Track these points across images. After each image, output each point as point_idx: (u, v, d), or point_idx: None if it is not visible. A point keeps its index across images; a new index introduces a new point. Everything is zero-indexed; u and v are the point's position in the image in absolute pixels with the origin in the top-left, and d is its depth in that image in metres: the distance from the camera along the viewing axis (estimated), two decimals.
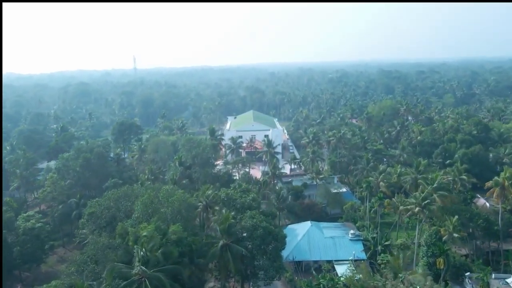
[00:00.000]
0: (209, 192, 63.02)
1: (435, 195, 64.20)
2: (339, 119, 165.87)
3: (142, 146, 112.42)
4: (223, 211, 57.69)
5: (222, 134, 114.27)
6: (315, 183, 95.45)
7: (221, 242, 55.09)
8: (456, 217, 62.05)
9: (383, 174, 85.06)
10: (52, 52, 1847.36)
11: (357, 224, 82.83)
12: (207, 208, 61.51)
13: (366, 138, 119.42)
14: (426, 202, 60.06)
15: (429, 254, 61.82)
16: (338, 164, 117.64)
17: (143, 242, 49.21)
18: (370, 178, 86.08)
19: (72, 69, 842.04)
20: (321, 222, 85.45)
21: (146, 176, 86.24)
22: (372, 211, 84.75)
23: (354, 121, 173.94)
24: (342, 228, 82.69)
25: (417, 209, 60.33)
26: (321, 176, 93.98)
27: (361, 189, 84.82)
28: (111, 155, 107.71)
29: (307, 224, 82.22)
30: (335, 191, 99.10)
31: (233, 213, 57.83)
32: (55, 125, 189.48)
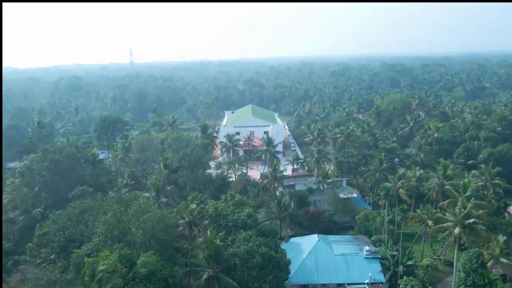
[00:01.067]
0: (193, 206, 50.43)
1: (475, 211, 51.06)
2: (344, 114, 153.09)
3: (126, 145, 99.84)
4: (208, 232, 45.14)
5: (216, 131, 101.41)
6: (322, 188, 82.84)
7: (206, 274, 42.74)
8: (504, 237, 49.51)
9: (402, 180, 72.29)
10: (50, 46, 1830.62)
11: (372, 238, 70.37)
12: (191, 226, 49.07)
13: (377, 135, 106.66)
14: (470, 221, 47.26)
15: (468, 283, 49.61)
16: (345, 164, 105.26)
17: (101, 279, 36.90)
18: (388, 184, 73.52)
19: (69, 63, 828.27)
20: (330, 235, 73.06)
21: (125, 181, 73.72)
22: (387, 219, 72.50)
23: (360, 116, 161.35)
24: (354, 243, 70.25)
25: (457, 229, 47.70)
26: (329, 181, 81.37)
27: (378, 196, 72.23)
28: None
29: (314, 238, 69.78)
30: (344, 196, 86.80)
31: (221, 234, 45.37)
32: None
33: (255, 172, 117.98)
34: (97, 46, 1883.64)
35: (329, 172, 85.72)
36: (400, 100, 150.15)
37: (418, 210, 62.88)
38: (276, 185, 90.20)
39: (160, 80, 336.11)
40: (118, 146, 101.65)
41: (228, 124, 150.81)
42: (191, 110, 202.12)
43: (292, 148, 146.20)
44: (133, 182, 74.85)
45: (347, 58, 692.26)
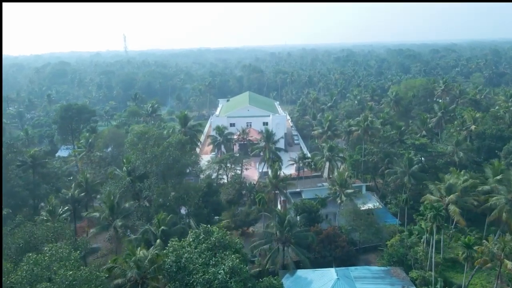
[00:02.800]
0: (142, 253, 30.54)
1: None
2: (356, 102, 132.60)
3: (91, 140, 79.87)
4: None
5: (199, 125, 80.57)
6: (339, 201, 62.73)
7: None
8: None
9: (456, 193, 52.05)
10: (47, 34, 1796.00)
11: (412, 275, 50.74)
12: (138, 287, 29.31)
13: (403, 128, 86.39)
14: None
15: None
16: (362, 164, 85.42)
17: None
18: (431, 197, 53.54)
19: (66, 50, 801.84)
20: (351, 268, 53.41)
21: (70, 193, 53.77)
22: (424, 240, 52.84)
23: (371, 104, 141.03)
24: (387, 281, 50.51)
25: None
26: (349, 191, 61.32)
27: (421, 217, 52.24)
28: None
29: (330, 274, 50.00)
30: (366, 207, 66.97)
31: None
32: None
33: (253, 172, 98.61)
34: (95, 34, 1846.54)
35: (348, 178, 65.06)
36: (421, 86, 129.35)
37: (486, 242, 42.83)
38: (276, 191, 70.33)
39: (153, 66, 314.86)
40: (81, 141, 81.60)
41: (222, 114, 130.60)
42: (182, 98, 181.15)
43: (296, 141, 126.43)
44: (82, 194, 54.86)
45: (348, 45, 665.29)
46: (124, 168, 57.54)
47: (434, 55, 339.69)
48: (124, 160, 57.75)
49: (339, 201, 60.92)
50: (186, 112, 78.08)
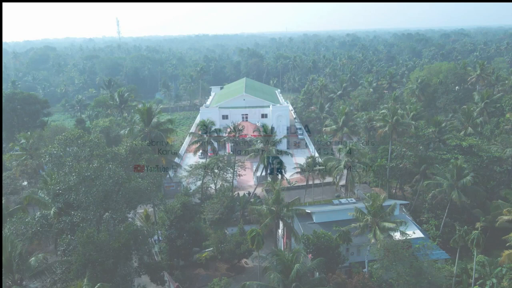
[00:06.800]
0: None
1: None
2: (371, 90, 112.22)
3: (31, 141, 60.06)
4: None
5: (170, 122, 59.91)
6: (373, 240, 42.66)
7: None
8: None
9: None
10: (43, 20, 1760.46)
11: None
12: None
13: (443, 124, 66.21)
14: None
15: None
16: (388, 170, 65.77)
17: None
18: None
19: (61, 37, 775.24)
20: None
21: None
22: None
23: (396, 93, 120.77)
24: None
25: None
26: (388, 225, 41.28)
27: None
28: None
29: None
30: (402, 237, 46.87)
31: None
32: None
33: (248, 176, 79.45)
34: (93, 20, 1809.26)
35: (378, 198, 44.68)
36: (449, 71, 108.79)
37: None
38: (277, 221, 50.36)
39: (145, 51, 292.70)
40: (21, 142, 61.71)
41: (213, 104, 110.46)
42: (170, 86, 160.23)
43: (300, 136, 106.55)
44: None
45: (349, 31, 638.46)
46: (50, 190, 37.60)
47: (446, 40, 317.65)
48: (48, 178, 37.85)
49: (372, 240, 40.99)
50: (149, 105, 57.71)
